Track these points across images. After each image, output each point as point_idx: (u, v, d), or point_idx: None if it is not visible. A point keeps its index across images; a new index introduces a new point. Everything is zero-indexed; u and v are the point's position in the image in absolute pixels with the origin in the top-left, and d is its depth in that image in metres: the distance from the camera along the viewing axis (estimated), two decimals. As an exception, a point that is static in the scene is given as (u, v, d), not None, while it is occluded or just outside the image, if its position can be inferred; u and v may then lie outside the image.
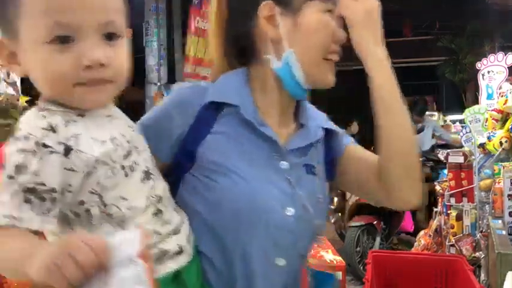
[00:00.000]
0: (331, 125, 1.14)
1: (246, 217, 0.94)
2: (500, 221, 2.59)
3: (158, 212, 0.87)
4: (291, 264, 1.00)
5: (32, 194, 0.73)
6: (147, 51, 7.22)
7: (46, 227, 0.76)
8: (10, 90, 2.31)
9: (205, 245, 0.95)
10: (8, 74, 2.38)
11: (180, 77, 7.00)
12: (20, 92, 2.51)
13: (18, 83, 2.69)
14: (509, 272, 1.70)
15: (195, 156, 0.96)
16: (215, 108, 0.99)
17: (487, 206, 3.05)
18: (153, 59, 7.19)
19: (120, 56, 0.82)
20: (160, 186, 0.90)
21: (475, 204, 3.20)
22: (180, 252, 0.88)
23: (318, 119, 1.12)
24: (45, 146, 0.74)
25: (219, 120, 0.99)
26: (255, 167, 0.98)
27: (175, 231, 0.89)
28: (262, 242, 0.96)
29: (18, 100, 2.02)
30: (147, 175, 0.86)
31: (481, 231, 2.98)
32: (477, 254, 2.85)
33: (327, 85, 1.04)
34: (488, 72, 3.97)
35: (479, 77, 4.03)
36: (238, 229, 0.94)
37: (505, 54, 3.94)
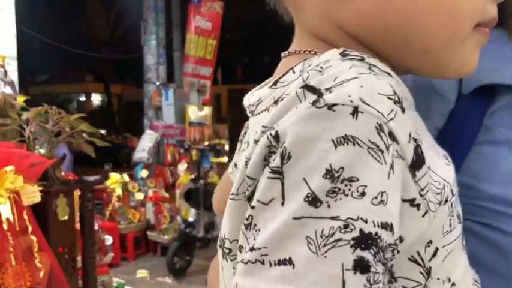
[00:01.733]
0: None
1: None
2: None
3: None
4: None
5: (369, 249, 0.33)
6: (146, 50, 7.21)
7: None
8: (7, 90, 2.30)
9: None
10: (6, 73, 2.36)
11: (179, 76, 6.99)
12: (17, 91, 2.49)
13: (16, 82, 2.67)
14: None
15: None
16: (480, 97, 0.58)
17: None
18: (151, 58, 7.17)
19: None
20: None
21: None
22: None
23: None
24: (393, 138, 0.35)
25: (489, 118, 0.58)
26: None
27: None
28: None
29: (15, 99, 2.00)
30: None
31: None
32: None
33: None
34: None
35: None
36: None
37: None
